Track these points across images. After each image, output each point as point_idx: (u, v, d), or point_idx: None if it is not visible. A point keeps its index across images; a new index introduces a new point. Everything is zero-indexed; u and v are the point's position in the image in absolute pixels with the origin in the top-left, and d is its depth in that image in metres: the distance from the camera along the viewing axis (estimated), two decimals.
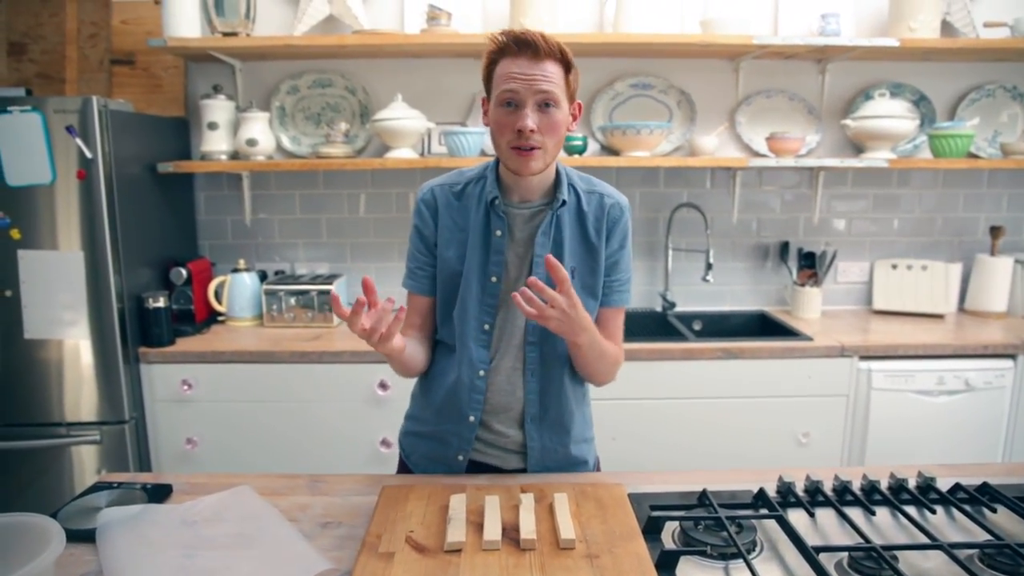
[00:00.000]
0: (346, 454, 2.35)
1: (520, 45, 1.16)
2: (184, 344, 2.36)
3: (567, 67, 1.20)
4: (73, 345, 2.20)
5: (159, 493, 1.25)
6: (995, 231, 2.74)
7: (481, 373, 1.32)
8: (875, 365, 2.34)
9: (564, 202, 1.28)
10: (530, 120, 1.16)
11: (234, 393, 2.31)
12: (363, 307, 1.08)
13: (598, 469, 1.49)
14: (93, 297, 2.18)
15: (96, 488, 1.26)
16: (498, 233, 1.29)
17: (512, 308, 1.30)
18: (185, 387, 2.29)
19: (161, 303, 2.31)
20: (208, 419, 2.32)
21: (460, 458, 1.36)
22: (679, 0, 2.63)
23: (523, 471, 1.37)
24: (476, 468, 1.37)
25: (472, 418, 1.33)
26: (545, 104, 1.18)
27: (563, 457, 1.38)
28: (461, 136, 2.49)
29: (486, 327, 1.30)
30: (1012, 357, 2.37)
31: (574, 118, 1.26)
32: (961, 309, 2.82)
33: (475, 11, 2.63)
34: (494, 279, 1.29)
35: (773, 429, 2.37)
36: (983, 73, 2.76)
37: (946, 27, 2.60)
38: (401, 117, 2.50)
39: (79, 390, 2.23)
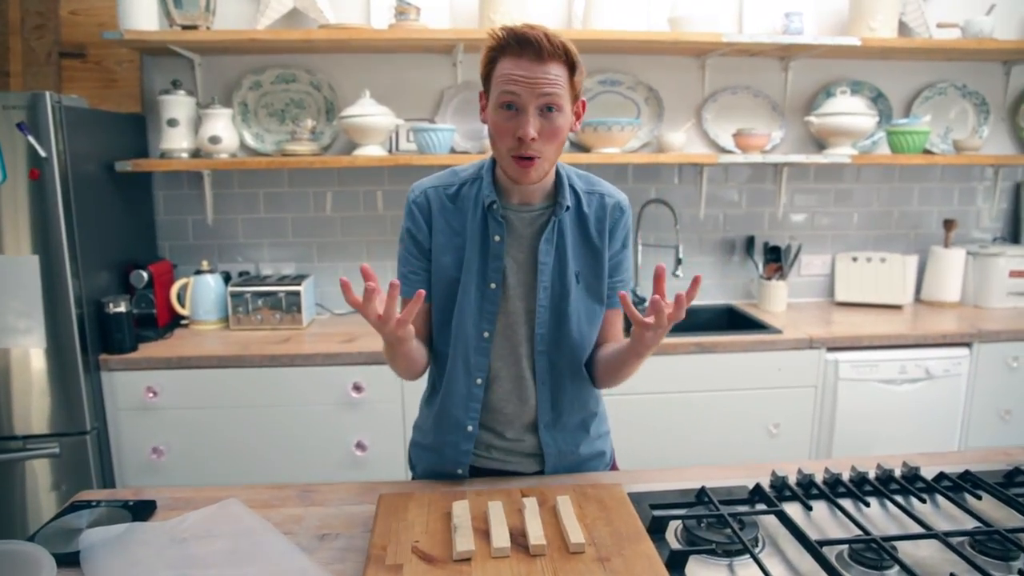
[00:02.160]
0: (321, 459, 2.29)
1: (522, 44, 1.08)
2: (147, 350, 2.27)
3: (572, 68, 1.12)
4: (29, 354, 2.09)
5: (143, 510, 1.19)
6: (948, 224, 2.85)
7: (479, 381, 1.28)
8: (841, 356, 2.41)
9: (568, 207, 1.24)
10: (531, 127, 1.10)
11: (201, 399, 2.24)
12: (375, 293, 1.04)
13: (614, 460, 1.48)
14: (49, 303, 2.07)
15: (74, 507, 1.19)
16: (497, 239, 1.24)
17: (512, 314, 1.26)
18: (150, 394, 2.20)
19: (122, 308, 2.21)
20: (175, 427, 2.23)
21: (459, 471, 1.33)
22: None
23: (541, 473, 1.35)
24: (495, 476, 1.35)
25: (470, 428, 1.30)
26: (547, 108, 1.11)
27: (578, 455, 1.36)
28: (430, 133, 2.45)
29: (485, 335, 1.26)
30: (968, 345, 2.47)
31: (577, 117, 1.20)
32: (917, 299, 2.93)
33: (443, 6, 2.59)
34: (493, 286, 1.25)
35: (745, 421, 2.42)
36: (935, 72, 2.86)
37: (901, 27, 2.68)
38: (369, 114, 2.44)
39: (36, 401, 2.11)
